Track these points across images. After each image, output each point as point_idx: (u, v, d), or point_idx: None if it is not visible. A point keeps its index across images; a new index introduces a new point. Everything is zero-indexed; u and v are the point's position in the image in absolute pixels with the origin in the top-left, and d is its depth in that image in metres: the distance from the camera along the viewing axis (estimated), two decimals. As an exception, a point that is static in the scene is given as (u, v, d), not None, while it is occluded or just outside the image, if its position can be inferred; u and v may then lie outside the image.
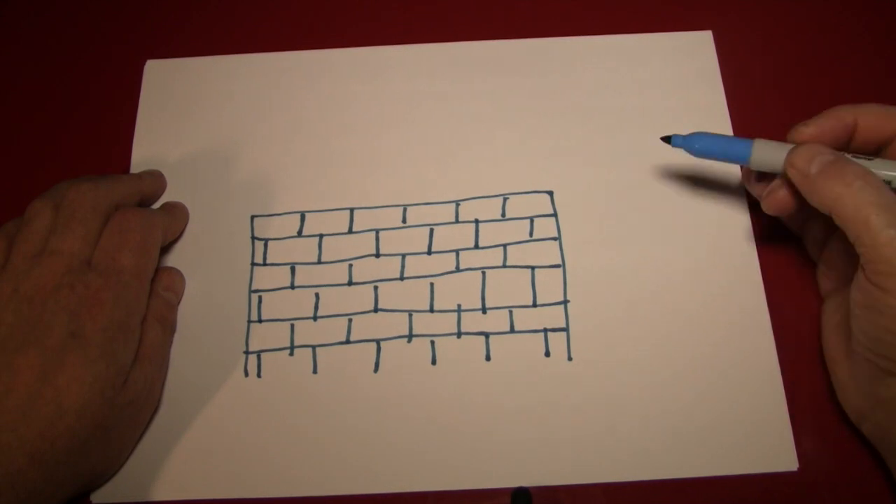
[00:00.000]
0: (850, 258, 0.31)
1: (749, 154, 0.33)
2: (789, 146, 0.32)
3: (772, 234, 0.37)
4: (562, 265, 0.37)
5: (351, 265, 0.37)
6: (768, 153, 0.32)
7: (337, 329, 0.36)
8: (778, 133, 0.33)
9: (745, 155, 0.33)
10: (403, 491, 0.33)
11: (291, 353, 0.36)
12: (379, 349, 0.36)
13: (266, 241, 0.38)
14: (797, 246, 0.37)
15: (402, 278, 0.37)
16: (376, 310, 0.36)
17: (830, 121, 0.32)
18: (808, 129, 0.32)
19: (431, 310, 0.36)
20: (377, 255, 0.37)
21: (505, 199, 0.38)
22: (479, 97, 0.41)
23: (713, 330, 0.35)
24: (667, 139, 0.35)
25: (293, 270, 0.37)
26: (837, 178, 0.29)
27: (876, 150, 0.32)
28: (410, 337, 0.36)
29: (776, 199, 0.32)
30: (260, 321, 0.36)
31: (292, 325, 0.36)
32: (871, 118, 0.31)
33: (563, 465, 0.33)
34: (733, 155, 0.33)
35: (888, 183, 0.30)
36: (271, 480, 0.33)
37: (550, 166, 0.39)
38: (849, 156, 0.31)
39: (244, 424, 0.34)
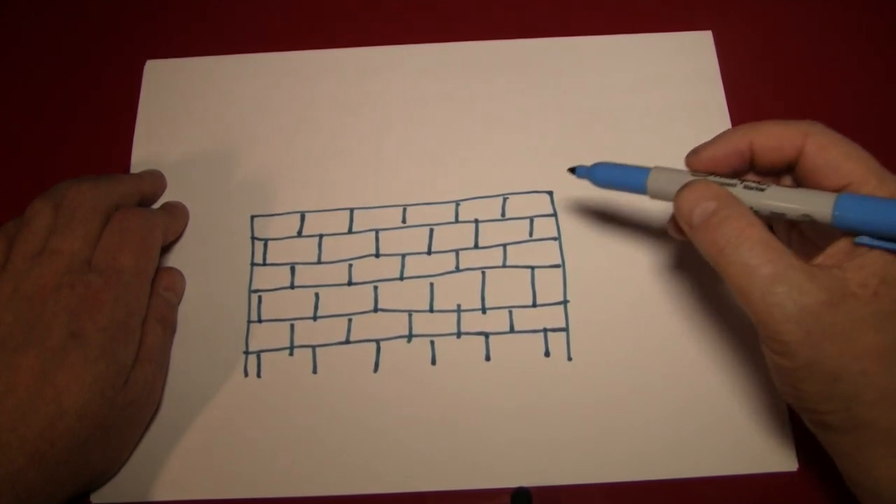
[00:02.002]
0: None
1: (645, 184, 0.30)
2: (687, 176, 0.29)
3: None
4: (562, 265, 0.37)
5: (351, 265, 0.37)
6: (664, 184, 0.30)
7: (337, 329, 0.36)
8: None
9: (641, 185, 0.30)
10: (403, 491, 0.33)
11: (291, 353, 0.36)
12: (379, 349, 0.36)
13: (266, 241, 0.38)
14: (797, 246, 0.37)
15: (401, 278, 0.37)
16: (376, 310, 0.36)
17: (725, 146, 0.29)
18: (700, 156, 0.30)
19: (431, 310, 0.36)
20: (377, 255, 0.37)
21: (505, 199, 0.38)
22: (480, 97, 0.41)
23: (713, 330, 0.35)
24: (572, 170, 0.34)
25: (293, 270, 0.37)
26: (713, 237, 0.27)
27: (785, 169, 0.29)
28: (410, 337, 0.36)
29: (676, 228, 0.30)
30: (260, 321, 0.36)
31: (292, 325, 0.36)
32: (768, 139, 0.29)
33: (563, 465, 0.33)
34: (632, 184, 0.31)
35: (781, 215, 0.27)
36: (271, 480, 0.33)
37: (550, 166, 0.39)
38: (741, 185, 0.28)
39: (244, 424, 0.34)
